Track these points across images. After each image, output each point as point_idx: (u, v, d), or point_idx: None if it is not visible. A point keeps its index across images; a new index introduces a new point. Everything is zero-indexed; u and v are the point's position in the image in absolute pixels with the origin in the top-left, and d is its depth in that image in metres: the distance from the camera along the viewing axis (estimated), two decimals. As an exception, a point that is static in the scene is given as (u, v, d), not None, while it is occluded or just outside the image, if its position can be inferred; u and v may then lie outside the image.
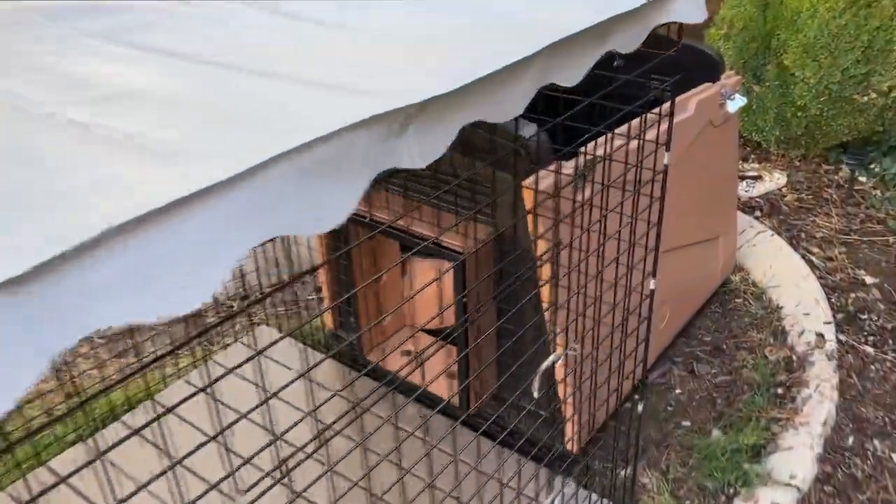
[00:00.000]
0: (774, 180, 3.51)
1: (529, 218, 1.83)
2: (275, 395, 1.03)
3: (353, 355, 2.47)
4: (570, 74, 1.24)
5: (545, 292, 1.86)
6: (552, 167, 1.81)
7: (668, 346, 2.58)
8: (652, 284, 1.69)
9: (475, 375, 2.07)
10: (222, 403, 1.19)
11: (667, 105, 1.62)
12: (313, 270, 2.49)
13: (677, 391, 2.44)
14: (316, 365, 1.23)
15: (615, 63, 2.65)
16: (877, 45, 3.15)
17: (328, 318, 2.62)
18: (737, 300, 2.82)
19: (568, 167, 1.84)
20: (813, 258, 2.94)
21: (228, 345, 2.72)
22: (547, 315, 1.89)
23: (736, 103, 2.48)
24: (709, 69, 2.53)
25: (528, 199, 1.80)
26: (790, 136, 3.58)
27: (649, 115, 1.76)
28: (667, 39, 2.61)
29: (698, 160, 2.44)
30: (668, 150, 1.61)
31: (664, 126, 1.69)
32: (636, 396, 1.87)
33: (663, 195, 1.64)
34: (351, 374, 2.41)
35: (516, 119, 1.89)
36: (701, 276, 2.69)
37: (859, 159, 3.50)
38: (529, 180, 1.77)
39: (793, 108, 3.47)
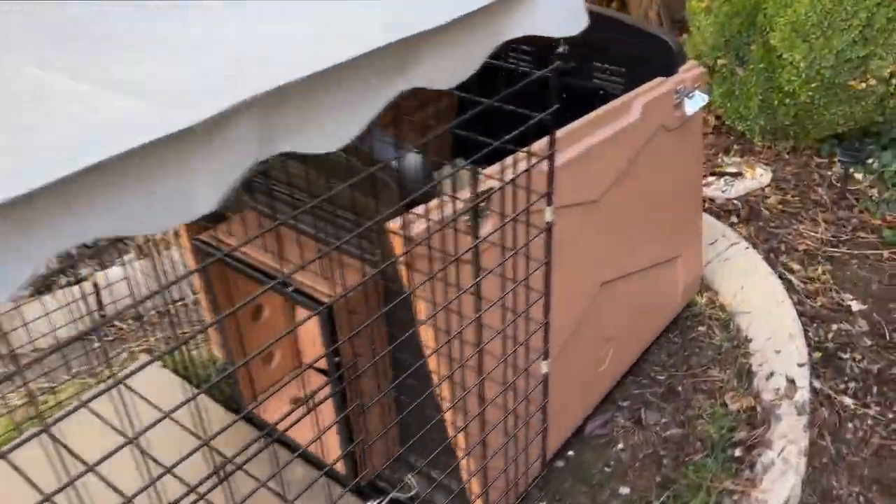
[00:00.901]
0: (757, 178, 3.07)
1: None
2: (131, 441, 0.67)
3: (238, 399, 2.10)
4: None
5: (432, 360, 1.47)
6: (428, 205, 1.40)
7: (613, 387, 2.19)
8: (544, 368, 1.30)
9: (355, 444, 1.69)
10: (67, 449, 0.91)
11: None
12: (163, 289, 2.11)
13: (619, 446, 2.05)
14: (175, 410, 0.89)
15: (559, 49, 2.21)
16: (877, 24, 2.69)
17: (220, 353, 2.24)
18: (700, 328, 2.42)
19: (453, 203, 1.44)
20: (792, 278, 2.52)
21: (110, 376, 2.36)
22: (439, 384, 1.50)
23: (695, 102, 2.05)
24: (663, 60, 2.10)
25: (396, 245, 1.39)
26: (777, 126, 3.13)
27: (542, 148, 1.34)
28: (614, 22, 2.17)
29: (649, 172, 2.02)
30: (549, 202, 1.20)
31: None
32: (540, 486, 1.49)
33: (549, 259, 1.23)
34: (239, 423, 2.04)
35: (383, 138, 1.48)
36: (656, 304, 2.29)
37: (855, 154, 3.06)
38: (396, 223, 1.36)
39: (780, 95, 3.02)
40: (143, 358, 2.43)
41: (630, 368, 2.25)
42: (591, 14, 1.29)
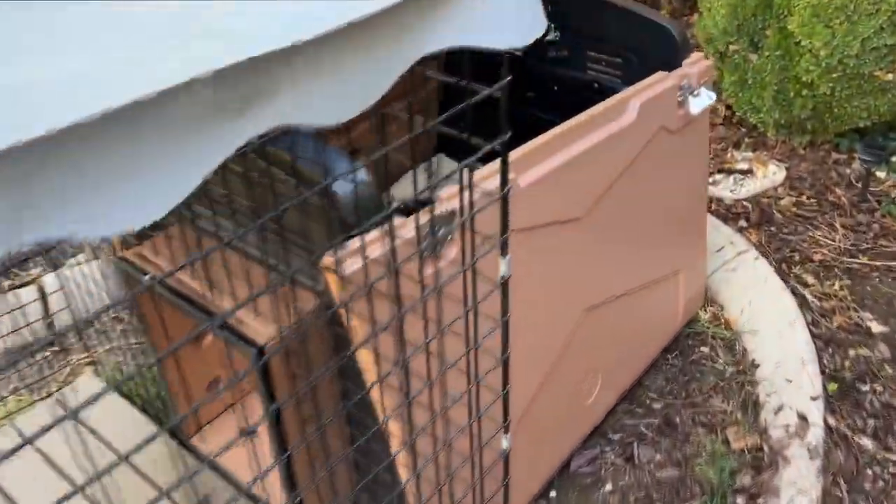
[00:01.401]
0: (769, 176, 2.81)
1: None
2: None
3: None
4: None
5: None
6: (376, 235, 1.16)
7: (602, 419, 1.96)
8: (505, 444, 1.06)
9: (297, 496, 1.46)
10: None
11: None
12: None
13: (607, 487, 1.83)
14: (133, 452, 0.67)
15: (551, 36, 1.95)
16: (908, 8, 2.41)
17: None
18: (702, 348, 2.18)
19: (406, 230, 1.20)
20: (806, 293, 2.27)
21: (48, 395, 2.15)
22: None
23: (701, 101, 1.79)
24: (666, 51, 1.84)
25: (332, 286, 1.15)
26: (792, 119, 2.86)
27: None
28: (611, 6, 1.91)
29: (646, 180, 1.77)
30: (504, 253, 0.96)
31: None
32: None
33: (506, 318, 0.99)
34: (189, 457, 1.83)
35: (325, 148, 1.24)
36: (652, 325, 2.05)
37: (878, 151, 2.78)
38: (328, 259, 1.12)
39: (797, 85, 2.75)
40: (88, 372, 2.22)
41: (624, 393, 2.02)
42: None
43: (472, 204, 0.97)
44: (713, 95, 1.79)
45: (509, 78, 0.86)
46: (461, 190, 0.96)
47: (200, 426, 1.83)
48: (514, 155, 1.43)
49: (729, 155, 2.95)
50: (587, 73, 2.05)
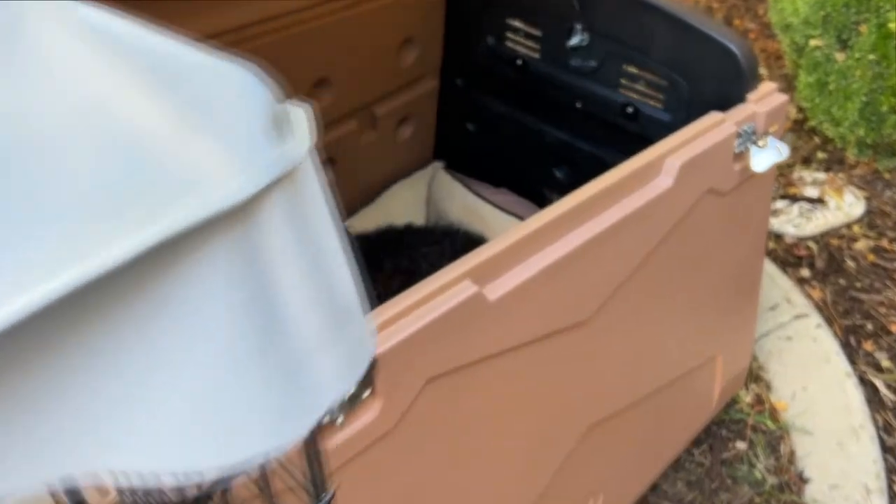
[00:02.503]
0: (844, 208, 2.29)
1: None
2: None
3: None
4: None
5: None
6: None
7: (600, 536, 1.55)
8: None
9: None
10: None
11: None
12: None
13: None
14: None
15: (576, 39, 1.48)
16: None
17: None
18: (738, 443, 1.74)
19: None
20: (879, 383, 1.80)
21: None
22: None
23: (768, 156, 1.31)
24: (725, 77, 1.35)
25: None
26: (881, 139, 2.32)
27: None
28: (660, 12, 1.42)
29: (681, 257, 1.32)
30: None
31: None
32: None
33: None
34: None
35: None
36: (675, 423, 1.61)
37: None
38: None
39: (892, 99, 2.21)
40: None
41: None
42: None
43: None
44: (785, 149, 1.30)
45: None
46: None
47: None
48: (494, 248, 0.99)
49: (796, 175, 2.43)
50: (620, 91, 1.57)
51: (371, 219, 1.99)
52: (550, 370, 1.14)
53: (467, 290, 0.93)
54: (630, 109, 1.55)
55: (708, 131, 1.25)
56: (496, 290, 0.97)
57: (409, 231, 1.85)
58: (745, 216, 1.44)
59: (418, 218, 2.04)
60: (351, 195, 1.97)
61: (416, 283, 1.72)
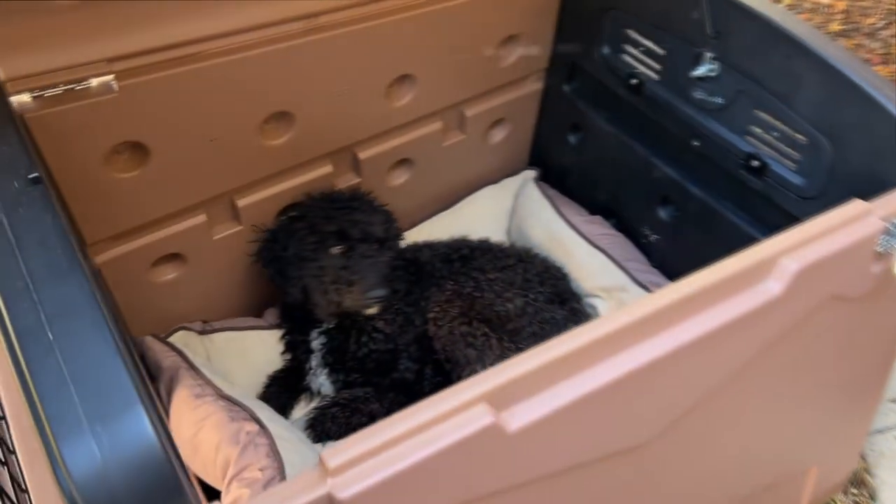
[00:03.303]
0: None
1: None
2: None
3: None
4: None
5: None
6: None
7: None
8: None
9: None
10: None
11: None
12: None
13: None
14: None
15: (703, 69, 1.25)
16: None
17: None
18: (821, 561, 1.48)
19: None
20: None
21: None
22: None
23: (920, 263, 1.02)
24: (879, 149, 1.07)
25: None
26: None
27: None
28: (809, 54, 1.14)
29: (785, 364, 1.07)
30: None
31: None
32: None
33: None
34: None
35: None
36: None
37: None
38: None
39: None
40: None
41: None
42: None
43: None
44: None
45: None
46: None
47: None
48: (522, 365, 0.79)
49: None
50: (747, 139, 1.30)
51: (447, 225, 1.81)
52: (590, 495, 0.95)
53: (482, 418, 0.74)
54: (756, 163, 1.28)
55: (845, 226, 0.98)
56: (518, 418, 0.78)
57: (481, 249, 1.65)
58: (877, 322, 1.16)
59: (498, 231, 1.84)
60: (428, 198, 1.79)
61: (476, 309, 1.55)
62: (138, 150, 1.24)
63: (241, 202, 1.45)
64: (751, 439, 1.16)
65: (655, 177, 1.52)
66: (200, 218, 1.41)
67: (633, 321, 0.84)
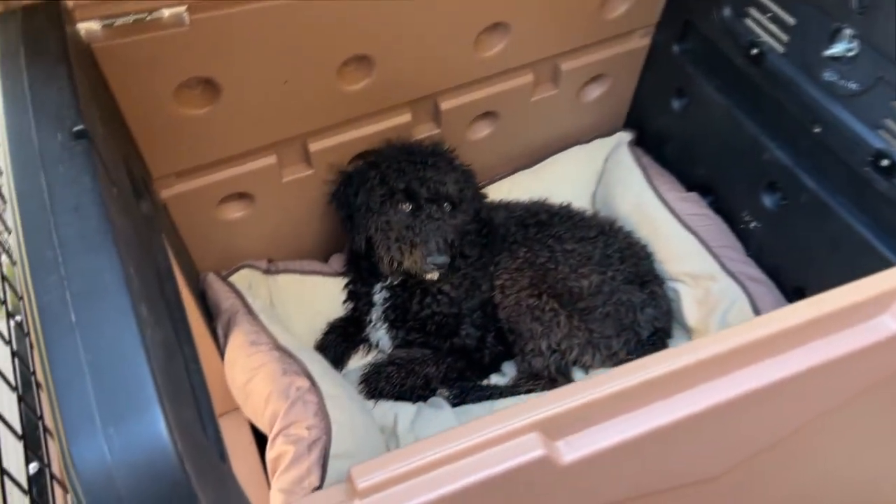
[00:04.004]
0: None
1: None
2: None
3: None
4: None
5: None
6: None
7: None
8: None
9: None
10: None
11: None
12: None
13: None
14: None
15: (840, 47, 1.10)
16: None
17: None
18: None
19: None
20: None
21: None
22: None
23: None
24: None
25: None
26: None
27: None
28: None
29: (889, 400, 0.95)
30: None
31: None
32: None
33: None
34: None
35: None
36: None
37: None
38: None
39: None
40: None
41: None
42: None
43: None
44: None
45: None
46: None
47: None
48: (583, 393, 0.71)
49: None
50: (879, 134, 1.13)
51: (527, 185, 1.70)
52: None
53: (533, 448, 0.67)
54: (886, 162, 1.12)
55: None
56: (573, 449, 0.70)
57: (560, 215, 1.55)
58: None
59: (582, 196, 1.72)
60: (510, 154, 1.68)
61: (547, 282, 1.45)
62: (209, 86, 1.18)
63: (314, 146, 1.38)
64: (834, 471, 1.06)
65: (764, 159, 1.37)
66: (271, 159, 1.36)
67: (722, 353, 0.73)
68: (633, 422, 0.72)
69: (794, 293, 1.42)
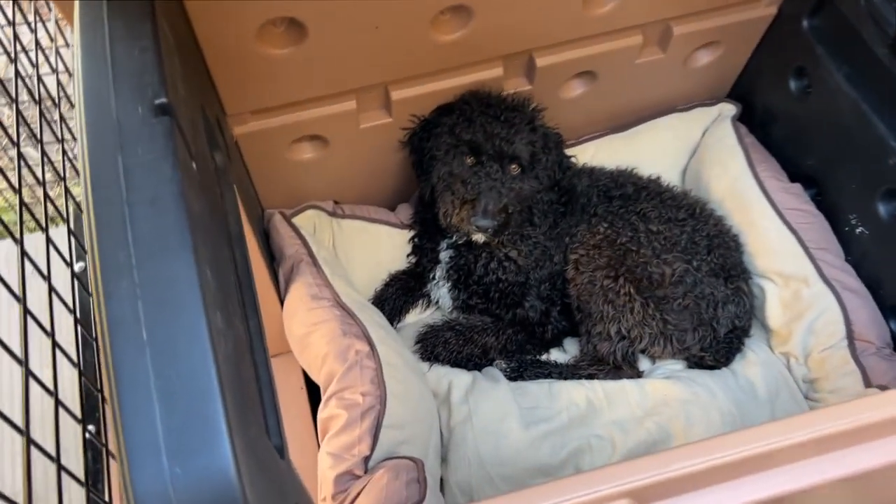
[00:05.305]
0: None
1: None
2: None
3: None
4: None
5: None
6: None
7: None
8: None
9: None
10: None
11: None
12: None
13: None
14: None
15: None
16: None
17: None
18: None
19: None
20: None
21: None
22: None
23: None
24: None
25: None
26: None
27: None
28: None
29: None
30: None
31: None
32: None
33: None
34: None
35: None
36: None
37: None
38: None
39: None
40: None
41: None
42: None
43: None
44: None
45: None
46: None
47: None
48: (681, 460, 0.64)
49: None
50: None
51: (616, 149, 1.58)
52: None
53: (619, 519, 0.61)
54: None
55: None
56: (665, 521, 0.64)
57: (648, 190, 1.44)
58: None
59: (673, 168, 1.61)
60: (603, 116, 1.56)
61: (626, 265, 1.37)
62: (295, 26, 1.09)
63: (396, 94, 1.29)
64: None
65: (889, 164, 1.24)
66: (350, 104, 1.27)
67: (833, 433, 0.66)
68: (727, 493, 0.66)
69: (891, 311, 1.31)
